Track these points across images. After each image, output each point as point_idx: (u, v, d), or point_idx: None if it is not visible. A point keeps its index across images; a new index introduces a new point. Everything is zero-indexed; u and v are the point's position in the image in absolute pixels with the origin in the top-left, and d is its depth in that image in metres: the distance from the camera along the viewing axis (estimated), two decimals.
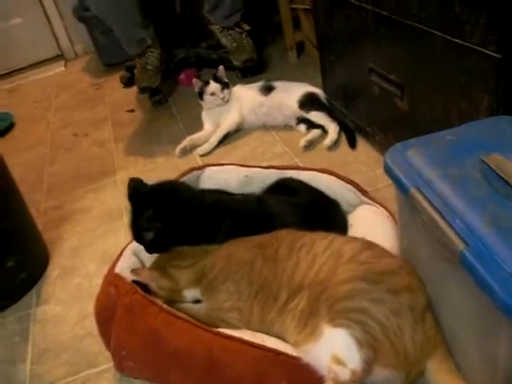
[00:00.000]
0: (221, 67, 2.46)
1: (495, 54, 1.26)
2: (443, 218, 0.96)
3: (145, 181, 1.53)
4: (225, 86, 2.42)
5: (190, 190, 1.56)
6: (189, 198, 1.50)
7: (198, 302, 1.40)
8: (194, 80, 2.45)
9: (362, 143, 2.14)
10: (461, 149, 1.10)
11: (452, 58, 1.41)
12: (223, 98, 2.41)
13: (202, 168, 1.78)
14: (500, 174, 0.99)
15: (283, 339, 1.23)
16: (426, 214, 1.00)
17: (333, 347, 1.09)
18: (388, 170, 1.15)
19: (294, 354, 1.17)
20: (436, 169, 1.06)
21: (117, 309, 1.32)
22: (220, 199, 1.54)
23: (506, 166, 1.00)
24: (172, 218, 1.43)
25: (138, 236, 1.46)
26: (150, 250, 1.47)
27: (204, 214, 1.47)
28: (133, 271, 1.39)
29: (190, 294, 1.40)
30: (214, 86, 2.40)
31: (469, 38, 1.33)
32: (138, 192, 1.48)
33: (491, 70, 1.29)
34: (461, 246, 0.90)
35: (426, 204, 1.00)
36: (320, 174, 1.67)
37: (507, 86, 1.29)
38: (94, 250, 1.95)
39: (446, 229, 0.94)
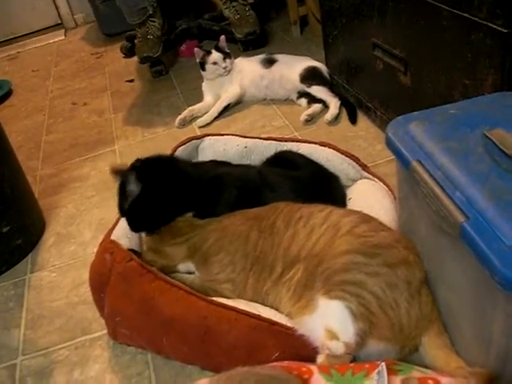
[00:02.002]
0: (222, 37, 2.43)
1: (502, 29, 1.24)
2: (444, 190, 0.95)
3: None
4: (227, 55, 2.40)
5: (183, 162, 1.54)
6: (179, 170, 1.47)
7: (192, 272, 1.41)
8: (196, 49, 2.42)
9: (362, 119, 2.13)
10: (464, 123, 1.09)
11: (458, 32, 1.39)
12: (225, 68, 2.38)
13: (201, 137, 1.76)
14: (502, 148, 0.98)
15: (277, 310, 1.23)
16: (426, 187, 0.99)
17: (327, 319, 1.09)
18: (389, 143, 1.13)
19: (289, 324, 1.17)
20: (438, 142, 1.05)
21: (111, 275, 1.31)
22: (219, 172, 1.52)
23: (509, 140, 0.99)
24: (154, 186, 1.40)
25: (120, 207, 1.44)
26: (130, 224, 1.43)
27: (199, 187, 1.45)
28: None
29: (184, 267, 1.41)
30: (216, 54, 2.37)
31: (476, 12, 1.30)
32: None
33: (498, 45, 1.27)
34: (461, 218, 0.89)
35: (427, 177, 0.99)
36: (320, 147, 1.66)
37: None
38: (90, 218, 1.94)
39: (447, 201, 0.93)
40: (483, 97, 1.27)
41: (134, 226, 1.42)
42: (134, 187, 1.37)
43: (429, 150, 1.04)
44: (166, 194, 1.40)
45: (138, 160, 1.42)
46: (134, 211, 1.41)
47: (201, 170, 1.51)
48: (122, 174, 1.43)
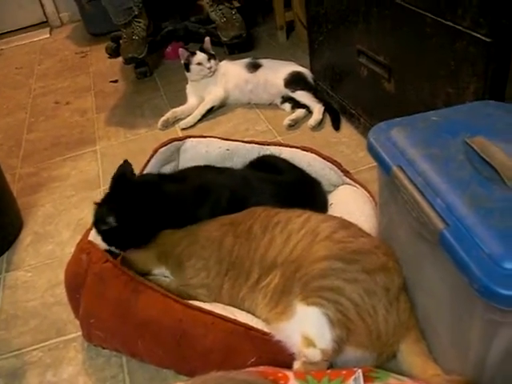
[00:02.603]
0: (207, 38, 2.42)
1: (486, 38, 1.25)
2: (424, 197, 0.95)
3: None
4: (211, 56, 2.38)
5: (158, 182, 1.47)
6: (168, 198, 1.42)
7: (167, 276, 1.39)
8: (180, 50, 2.41)
9: (346, 125, 2.12)
10: (445, 130, 1.09)
11: (442, 40, 1.39)
12: (210, 68, 2.36)
13: (182, 139, 1.74)
14: (483, 156, 0.98)
15: (254, 316, 1.22)
16: (407, 193, 0.98)
17: (304, 326, 1.08)
18: (371, 149, 1.13)
19: (266, 330, 1.16)
20: (419, 149, 1.04)
21: (87, 276, 1.29)
22: (206, 182, 1.48)
23: (490, 148, 0.99)
24: (133, 221, 1.36)
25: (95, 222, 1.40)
26: (104, 241, 1.39)
27: (180, 204, 1.42)
28: None
29: (159, 271, 1.39)
30: (200, 55, 2.36)
31: (460, 21, 1.31)
32: (120, 178, 1.42)
33: (481, 54, 1.27)
34: (441, 225, 0.88)
35: (407, 183, 0.99)
36: (302, 151, 1.65)
37: (496, 70, 1.27)
38: (68, 218, 1.92)
39: (427, 208, 0.93)
40: (465, 105, 1.27)
41: (106, 243, 1.39)
42: (110, 220, 1.34)
43: (410, 156, 1.04)
44: (142, 222, 1.37)
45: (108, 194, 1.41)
46: (111, 238, 1.38)
47: (184, 183, 1.48)
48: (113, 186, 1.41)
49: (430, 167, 0.99)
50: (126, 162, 1.43)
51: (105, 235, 1.35)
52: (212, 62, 2.38)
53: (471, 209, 0.88)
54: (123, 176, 1.41)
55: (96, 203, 1.39)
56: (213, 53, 2.41)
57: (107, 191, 1.42)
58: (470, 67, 1.32)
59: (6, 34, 4.15)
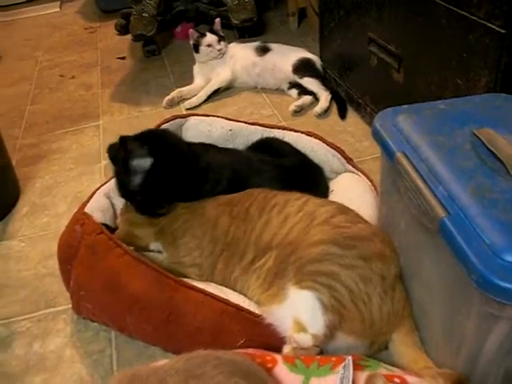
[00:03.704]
0: (217, 20, 2.40)
1: (500, 29, 1.22)
2: (427, 184, 0.92)
3: None
4: (221, 38, 2.36)
5: (184, 142, 1.47)
6: (182, 148, 1.41)
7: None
8: (191, 31, 2.38)
9: (352, 114, 2.10)
10: (453, 120, 1.06)
11: (455, 31, 1.37)
12: (220, 50, 2.34)
13: (185, 116, 1.72)
14: (490, 147, 0.96)
15: (246, 297, 1.20)
16: (409, 180, 0.96)
17: (297, 310, 1.07)
18: (376, 134, 1.11)
19: (257, 312, 1.14)
20: (425, 136, 1.02)
21: (80, 248, 1.27)
22: (210, 161, 1.45)
23: (497, 140, 0.97)
24: (166, 159, 1.32)
25: (124, 186, 1.35)
26: (139, 204, 1.35)
27: (194, 171, 1.39)
28: None
29: (155, 246, 1.38)
30: (211, 37, 2.34)
31: (475, 11, 1.29)
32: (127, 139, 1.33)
33: (494, 45, 1.25)
34: (442, 213, 0.86)
35: (410, 169, 0.97)
36: (306, 136, 1.63)
37: (508, 63, 1.25)
38: (66, 190, 1.90)
39: (429, 196, 0.90)
40: (475, 96, 1.25)
41: (143, 207, 1.36)
42: (143, 162, 1.29)
43: (415, 142, 1.01)
44: (176, 170, 1.34)
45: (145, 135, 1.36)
46: (145, 189, 1.33)
47: (195, 153, 1.44)
48: (119, 149, 1.32)
49: (435, 155, 0.97)
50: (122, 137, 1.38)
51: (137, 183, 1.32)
52: (222, 43, 2.36)
53: (474, 199, 0.86)
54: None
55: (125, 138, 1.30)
56: (222, 34, 2.39)
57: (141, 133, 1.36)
58: (482, 59, 1.30)
59: (16, 6, 4.10)
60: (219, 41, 2.35)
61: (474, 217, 0.84)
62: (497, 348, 0.86)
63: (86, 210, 1.37)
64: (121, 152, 1.30)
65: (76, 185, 1.92)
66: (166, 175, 1.33)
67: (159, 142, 1.35)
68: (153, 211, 1.37)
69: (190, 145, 1.49)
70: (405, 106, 1.14)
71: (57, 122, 2.39)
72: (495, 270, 0.76)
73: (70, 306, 1.37)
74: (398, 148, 1.02)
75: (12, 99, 2.68)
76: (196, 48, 2.37)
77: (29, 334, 1.36)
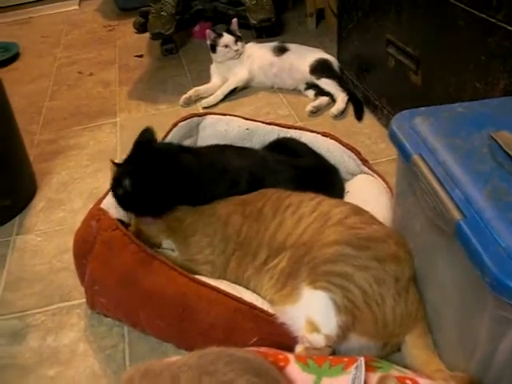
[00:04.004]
0: (234, 20, 2.40)
1: None
2: (443, 187, 0.92)
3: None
4: (238, 39, 2.36)
5: (183, 154, 1.43)
6: (186, 170, 1.38)
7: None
8: (208, 31, 2.39)
9: (368, 116, 2.10)
10: (471, 123, 1.06)
11: (474, 33, 1.36)
12: (237, 51, 2.35)
13: (203, 115, 1.72)
14: (508, 151, 0.95)
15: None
16: (425, 182, 0.96)
17: (310, 310, 1.07)
18: (392, 135, 1.10)
19: (270, 311, 1.14)
20: (442, 138, 1.02)
21: (95, 243, 1.28)
22: (225, 158, 1.46)
23: None
24: (149, 188, 1.32)
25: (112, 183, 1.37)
26: (119, 204, 1.37)
27: (199, 181, 1.39)
28: None
29: (167, 244, 1.38)
30: (228, 37, 2.34)
31: (494, 13, 1.28)
32: (142, 143, 1.39)
33: None
34: (458, 216, 0.86)
35: (427, 172, 0.96)
36: (322, 137, 1.63)
37: None
38: (82, 186, 1.91)
39: (445, 198, 0.90)
40: (493, 99, 1.24)
41: (122, 207, 1.38)
42: (126, 184, 1.31)
43: (432, 145, 1.01)
44: (157, 190, 1.33)
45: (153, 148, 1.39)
46: (126, 202, 1.36)
47: (204, 160, 1.43)
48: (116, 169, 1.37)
49: (452, 158, 0.96)
50: (148, 128, 1.41)
51: (120, 198, 1.34)
52: (239, 44, 2.36)
53: (490, 202, 0.86)
54: (146, 142, 1.39)
55: (115, 164, 1.37)
56: (239, 35, 2.39)
57: (128, 154, 1.39)
58: (501, 63, 1.29)
59: (35, 3, 4.13)
60: (236, 41, 2.35)
61: (490, 220, 0.83)
62: (510, 352, 0.86)
63: (102, 205, 1.38)
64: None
65: (92, 181, 1.93)
66: (149, 197, 1.33)
67: (146, 167, 1.34)
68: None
69: (201, 152, 1.49)
70: (422, 109, 1.14)
71: (74, 119, 2.41)
72: (510, 273, 0.76)
73: (84, 300, 1.38)
74: (415, 150, 1.02)
75: (31, 95, 2.70)
76: (213, 48, 2.38)
77: (43, 327, 1.37)
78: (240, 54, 2.38)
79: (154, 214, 1.36)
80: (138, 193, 1.31)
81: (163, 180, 1.32)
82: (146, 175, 1.32)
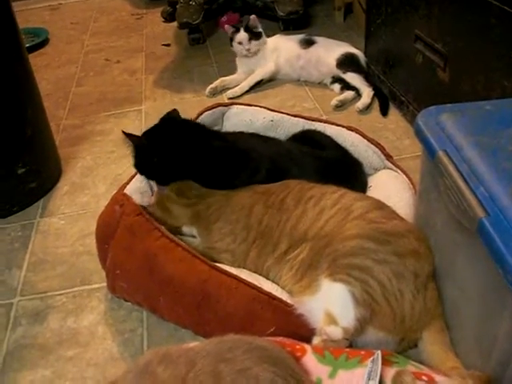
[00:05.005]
0: (253, 16, 2.36)
1: None
2: (467, 184, 0.91)
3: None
4: (254, 36, 2.33)
5: (206, 131, 1.48)
6: (205, 139, 1.42)
7: (196, 237, 1.40)
8: (226, 26, 2.40)
9: (393, 112, 2.09)
10: (498, 121, 1.05)
11: (505, 30, 1.35)
12: (248, 50, 2.34)
13: (228, 105, 1.73)
14: None
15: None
16: (450, 179, 0.95)
17: (328, 302, 1.07)
18: (418, 131, 1.10)
19: (289, 301, 1.15)
20: (468, 136, 1.01)
21: (118, 228, 1.30)
22: (248, 145, 1.47)
23: None
24: (173, 157, 1.37)
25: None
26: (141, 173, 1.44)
27: (224, 160, 1.41)
28: None
29: (188, 230, 1.40)
30: (242, 35, 2.33)
31: None
32: (168, 118, 1.44)
33: None
34: (481, 213, 0.85)
35: (451, 168, 0.96)
36: (347, 131, 1.62)
37: None
38: (106, 172, 1.93)
39: (469, 195, 0.90)
40: None
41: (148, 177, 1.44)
42: (149, 157, 1.37)
43: (457, 142, 1.00)
44: (181, 160, 1.37)
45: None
46: (150, 173, 1.42)
47: (227, 141, 1.46)
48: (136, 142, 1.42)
49: (477, 155, 0.96)
50: (175, 109, 1.47)
51: (143, 167, 1.39)
52: (253, 42, 2.33)
53: None
54: (172, 118, 1.44)
55: (130, 135, 1.42)
56: (259, 31, 2.36)
57: (153, 125, 1.43)
58: None
59: None
60: (250, 39, 2.33)
61: None
62: None
63: (126, 191, 1.39)
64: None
65: (116, 167, 1.95)
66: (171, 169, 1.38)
67: (169, 139, 1.39)
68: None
69: (225, 134, 1.52)
70: (449, 105, 1.13)
71: (100, 105, 2.43)
72: None
73: (105, 284, 1.40)
74: (440, 146, 1.01)
75: (58, 81, 2.73)
76: (231, 42, 2.39)
77: (64, 308, 1.40)
78: (255, 53, 2.36)
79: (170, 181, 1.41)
80: (163, 161, 1.35)
81: (186, 149, 1.36)
82: (169, 144, 1.36)
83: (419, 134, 1.09)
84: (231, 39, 2.38)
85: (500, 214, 0.84)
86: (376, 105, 2.15)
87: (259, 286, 1.17)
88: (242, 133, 1.58)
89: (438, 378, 0.94)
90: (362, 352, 0.99)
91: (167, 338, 1.27)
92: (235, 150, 1.43)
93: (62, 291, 1.45)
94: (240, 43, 2.34)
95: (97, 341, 1.30)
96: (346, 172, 1.51)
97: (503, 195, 0.87)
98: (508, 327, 0.86)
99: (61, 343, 1.30)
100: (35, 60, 2.95)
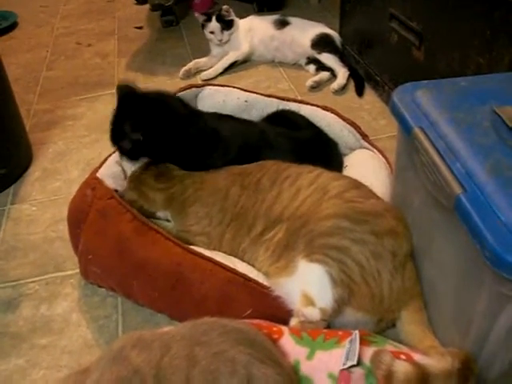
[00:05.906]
0: (225, 7, 2.33)
1: None
2: (444, 160, 0.90)
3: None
4: (226, 26, 2.32)
5: (188, 108, 1.46)
6: (184, 116, 1.39)
7: (170, 221, 1.38)
8: (197, 14, 2.38)
9: (369, 92, 2.08)
10: (474, 97, 1.04)
11: (479, 8, 1.34)
12: (220, 40, 2.33)
13: (201, 86, 1.71)
14: (510, 125, 0.93)
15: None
16: (426, 155, 0.94)
17: (306, 283, 1.06)
18: (393, 108, 1.08)
19: (265, 283, 1.13)
20: (444, 112, 1.00)
21: (90, 212, 1.27)
22: (221, 126, 1.45)
23: None
24: (156, 133, 1.33)
25: (114, 139, 1.38)
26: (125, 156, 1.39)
27: (197, 138, 1.38)
28: None
29: (163, 214, 1.38)
30: (214, 25, 2.31)
31: None
32: (128, 95, 1.39)
33: None
34: (458, 190, 0.84)
35: (427, 145, 0.94)
36: (322, 110, 1.61)
37: None
38: (79, 157, 1.89)
39: (445, 172, 0.88)
40: (497, 74, 1.22)
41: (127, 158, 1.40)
42: (131, 135, 1.33)
43: (433, 118, 0.99)
44: (162, 140, 1.35)
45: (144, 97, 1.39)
46: (130, 154, 1.38)
47: (202, 119, 1.44)
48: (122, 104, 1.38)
49: (453, 131, 0.95)
50: (123, 85, 1.43)
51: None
52: (225, 32, 2.32)
53: (491, 176, 0.84)
54: (131, 93, 1.40)
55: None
56: (230, 18, 2.34)
57: (116, 109, 1.39)
58: (507, 38, 1.27)
59: None
60: (222, 29, 2.31)
61: (491, 194, 0.82)
62: (506, 330, 0.85)
63: (98, 175, 1.36)
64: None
65: (88, 152, 1.91)
66: (157, 149, 1.35)
67: (152, 115, 1.35)
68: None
69: (200, 113, 1.49)
70: (424, 82, 1.12)
71: (72, 89, 2.38)
72: (510, 247, 0.75)
73: (78, 270, 1.38)
74: (416, 123, 1.00)
75: (28, 65, 2.67)
76: (203, 29, 2.37)
77: (37, 296, 1.37)
78: (225, 43, 2.35)
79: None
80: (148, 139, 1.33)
81: (167, 131, 1.34)
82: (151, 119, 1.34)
83: (395, 111, 1.08)
84: (203, 26, 2.35)
85: (477, 189, 0.83)
86: (351, 85, 2.14)
87: (234, 268, 1.15)
88: (214, 113, 1.55)
89: (416, 356, 0.93)
90: (340, 332, 0.98)
91: (142, 324, 1.25)
92: (206, 130, 1.41)
93: (35, 278, 1.42)
94: (212, 32, 2.32)
95: (71, 328, 1.27)
96: (322, 152, 1.50)
97: (480, 171, 0.86)
98: (485, 304, 0.86)
99: (34, 331, 1.28)
100: (3, 44, 2.90)
